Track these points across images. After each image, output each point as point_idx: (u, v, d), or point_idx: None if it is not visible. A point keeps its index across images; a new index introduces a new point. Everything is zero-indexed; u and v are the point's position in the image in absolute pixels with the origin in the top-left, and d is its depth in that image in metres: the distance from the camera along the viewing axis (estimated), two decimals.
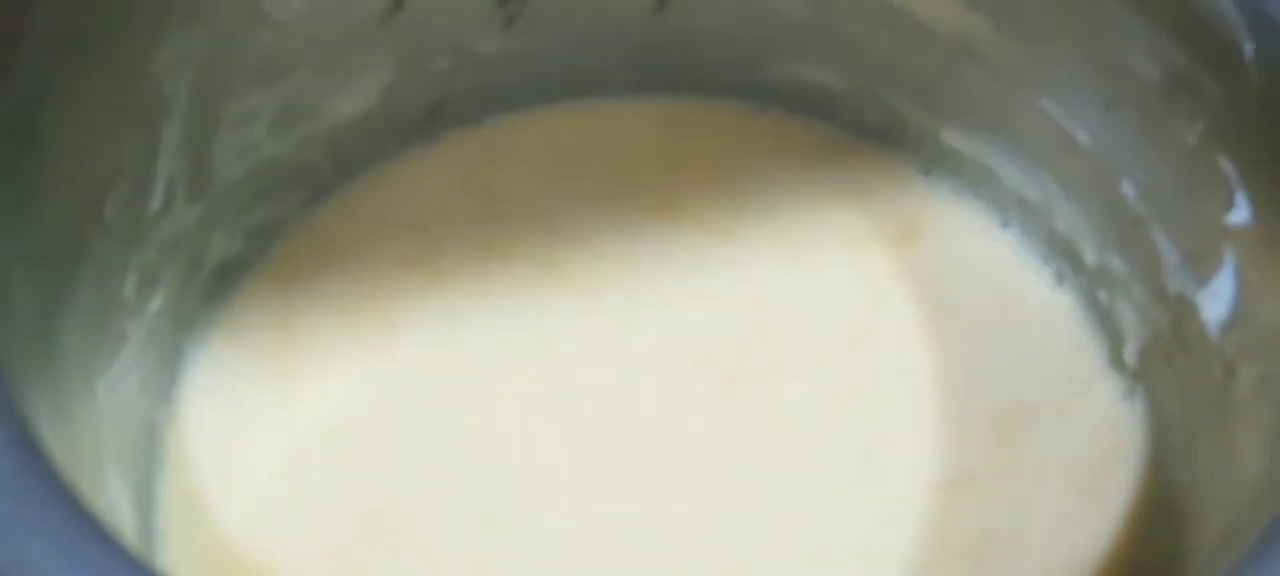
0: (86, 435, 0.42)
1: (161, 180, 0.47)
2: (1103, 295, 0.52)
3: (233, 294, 0.52)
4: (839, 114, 0.56)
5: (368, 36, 0.53)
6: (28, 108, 0.40)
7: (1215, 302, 0.45)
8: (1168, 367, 0.48)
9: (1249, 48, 0.42)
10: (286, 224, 0.54)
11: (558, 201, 0.55)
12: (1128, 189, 0.49)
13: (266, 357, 0.51)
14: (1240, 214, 0.44)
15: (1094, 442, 0.49)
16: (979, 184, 0.55)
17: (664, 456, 0.49)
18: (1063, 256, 0.53)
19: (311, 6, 0.50)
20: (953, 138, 0.55)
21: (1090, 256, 0.52)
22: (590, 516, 0.48)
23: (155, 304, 0.48)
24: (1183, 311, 0.47)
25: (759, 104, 0.57)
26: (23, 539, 0.30)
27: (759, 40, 0.56)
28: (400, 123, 0.56)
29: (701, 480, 0.49)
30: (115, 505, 0.43)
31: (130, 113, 0.45)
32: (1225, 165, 0.44)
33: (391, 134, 0.56)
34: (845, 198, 0.55)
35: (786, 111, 0.57)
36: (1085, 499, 0.48)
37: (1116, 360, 0.51)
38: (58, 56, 0.41)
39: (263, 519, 0.47)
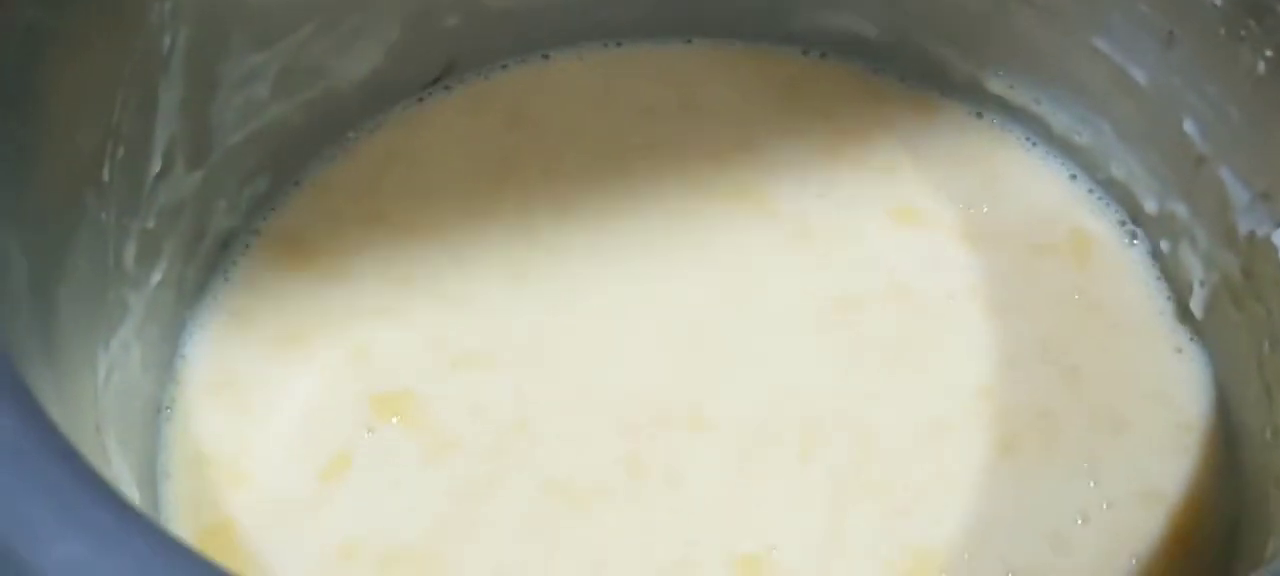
0: (87, 411, 0.40)
1: (160, 143, 0.45)
2: (1164, 244, 0.50)
3: (236, 267, 0.50)
4: (876, 62, 0.54)
5: None
6: (21, 62, 0.38)
7: None
8: (1239, 314, 0.46)
9: None
10: (290, 193, 0.52)
11: (580, 155, 0.53)
12: (1191, 128, 0.47)
13: (271, 332, 0.49)
14: None
15: (1153, 383, 0.47)
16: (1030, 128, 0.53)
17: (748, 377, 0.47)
18: (1121, 204, 0.51)
19: None
20: (998, 84, 0.53)
21: (1150, 204, 0.50)
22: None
23: (156, 275, 0.46)
24: (1255, 253, 0.45)
25: (793, 48, 0.55)
26: (25, 503, 0.28)
27: None
28: (409, 82, 0.54)
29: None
30: (119, 480, 0.40)
31: (126, 70, 0.43)
32: None
33: (401, 93, 0.54)
34: (879, 131, 0.53)
35: (822, 56, 0.55)
36: (1149, 437, 0.46)
37: (1182, 312, 0.49)
38: (51, 7, 0.39)
39: (269, 497, 0.45)
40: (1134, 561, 0.44)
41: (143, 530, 0.28)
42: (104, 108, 0.42)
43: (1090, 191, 0.52)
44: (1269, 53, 0.43)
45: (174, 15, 0.44)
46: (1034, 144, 0.53)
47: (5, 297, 0.35)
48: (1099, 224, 0.51)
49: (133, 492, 0.41)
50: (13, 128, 0.38)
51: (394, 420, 0.46)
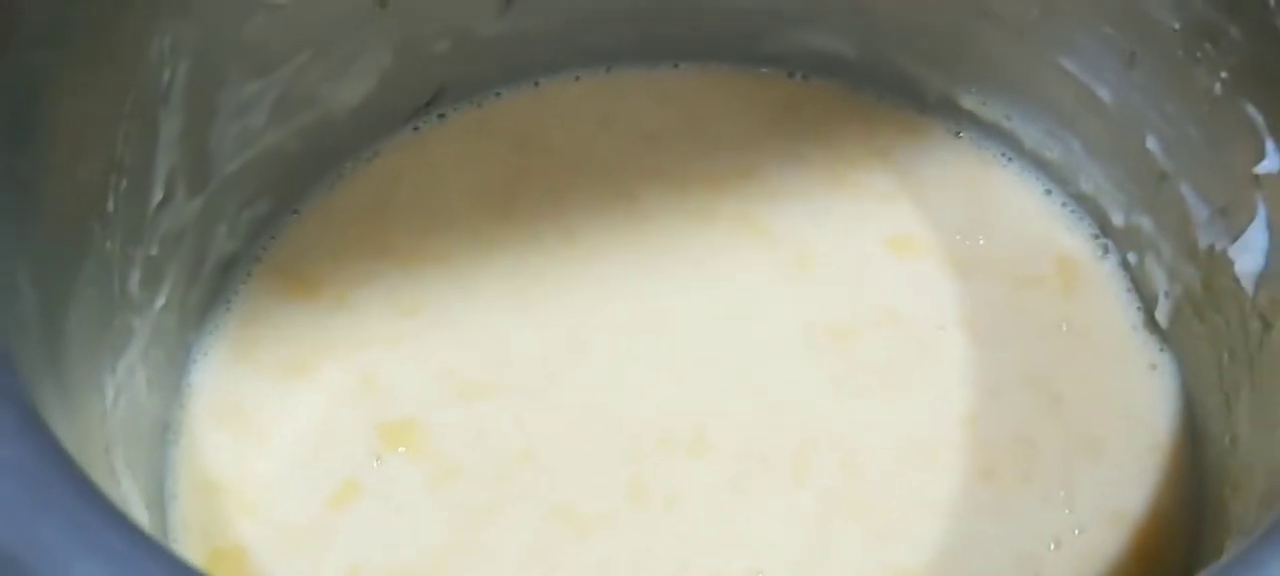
0: (96, 435, 0.41)
1: (161, 173, 0.46)
2: (1131, 257, 0.51)
3: (238, 291, 0.51)
4: (856, 81, 0.56)
5: (365, 21, 0.52)
6: (24, 101, 0.39)
7: (1248, 255, 0.44)
8: (1201, 325, 0.47)
9: None
10: (288, 217, 0.53)
11: (575, 177, 0.54)
12: (1153, 145, 0.48)
13: (275, 360, 0.50)
14: (1271, 162, 0.43)
15: (1128, 404, 0.48)
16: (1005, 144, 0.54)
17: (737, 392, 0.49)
18: (1093, 217, 0.52)
19: None
20: (971, 101, 0.54)
21: (1118, 217, 0.51)
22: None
23: (160, 300, 0.47)
24: (1214, 267, 0.46)
25: (777, 70, 0.56)
26: (37, 523, 0.29)
27: (765, 10, 0.55)
28: (401, 108, 0.56)
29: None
30: (128, 503, 0.42)
31: (127, 105, 0.44)
32: (1253, 113, 0.43)
33: (392, 119, 0.55)
34: (870, 156, 0.54)
35: (805, 77, 0.56)
36: (1121, 462, 0.47)
37: (1149, 321, 0.50)
38: (51, 48, 0.40)
39: (276, 523, 0.46)
40: None
41: (154, 553, 0.29)
42: (107, 141, 0.43)
43: (1064, 205, 0.53)
44: (1224, 74, 0.44)
45: (173, 50, 0.45)
46: (1010, 160, 0.54)
47: (16, 326, 0.36)
48: (1074, 239, 0.52)
49: (141, 514, 0.42)
50: (19, 164, 0.39)
51: (401, 449, 0.48)
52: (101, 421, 0.42)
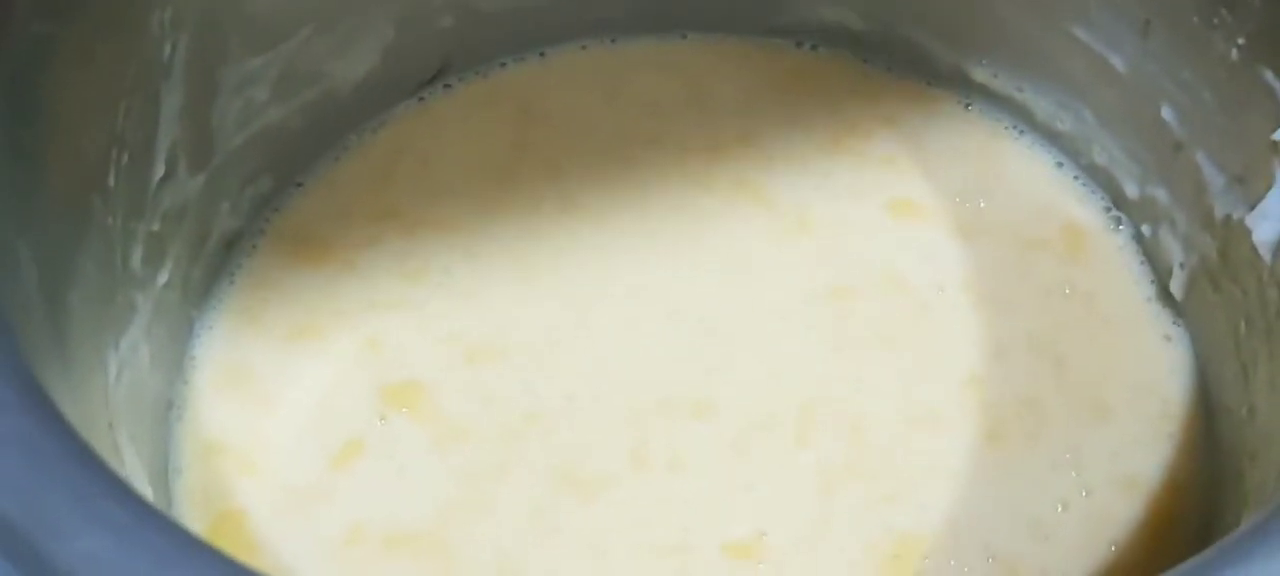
0: (99, 411, 0.41)
1: (163, 148, 0.46)
2: (1146, 229, 0.50)
3: (242, 264, 0.51)
4: (866, 52, 0.55)
5: None
6: (26, 72, 0.39)
7: (1266, 223, 0.44)
8: (1217, 295, 0.47)
9: None
10: (292, 190, 0.53)
11: (578, 146, 0.54)
12: (1168, 114, 0.48)
13: (282, 326, 0.50)
14: None
15: (1138, 373, 0.48)
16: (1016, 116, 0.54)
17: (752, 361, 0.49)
18: (1105, 190, 0.52)
19: None
20: (982, 73, 0.54)
21: (1132, 189, 0.51)
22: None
23: (163, 276, 0.47)
24: (1231, 236, 0.46)
25: (786, 40, 0.56)
26: (41, 496, 0.29)
27: None
28: (406, 80, 0.55)
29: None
30: (132, 478, 0.41)
31: (129, 77, 0.44)
32: (1271, 79, 0.43)
33: (397, 92, 0.55)
34: (875, 123, 0.54)
35: (814, 48, 0.56)
36: (1130, 429, 0.47)
37: (1162, 293, 0.50)
38: (54, 18, 0.40)
39: (279, 484, 0.46)
40: (1113, 548, 0.44)
41: (159, 525, 0.29)
42: (108, 115, 0.43)
43: (1076, 178, 0.53)
44: (1241, 40, 0.44)
45: (174, 23, 0.45)
46: (1022, 132, 0.54)
47: (18, 302, 0.36)
48: (1086, 211, 0.52)
49: (145, 488, 0.42)
50: (21, 138, 0.38)
51: (404, 410, 0.47)
52: (104, 397, 0.42)
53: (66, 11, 0.40)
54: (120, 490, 0.30)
